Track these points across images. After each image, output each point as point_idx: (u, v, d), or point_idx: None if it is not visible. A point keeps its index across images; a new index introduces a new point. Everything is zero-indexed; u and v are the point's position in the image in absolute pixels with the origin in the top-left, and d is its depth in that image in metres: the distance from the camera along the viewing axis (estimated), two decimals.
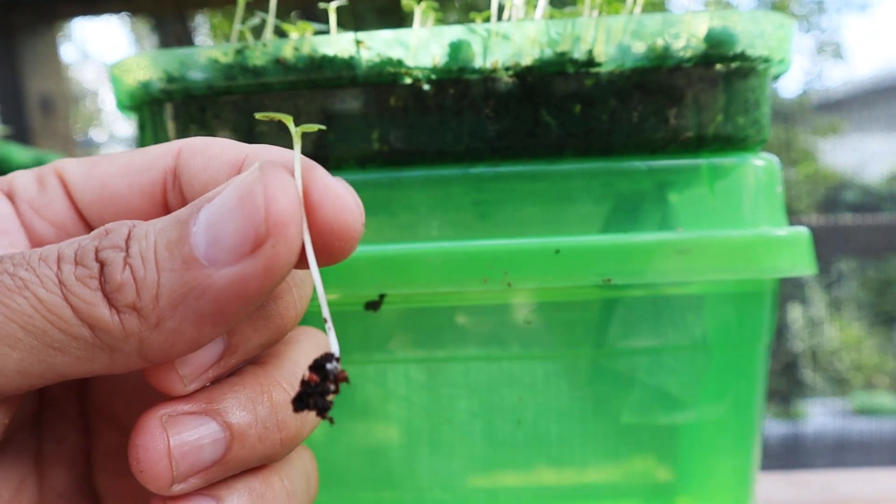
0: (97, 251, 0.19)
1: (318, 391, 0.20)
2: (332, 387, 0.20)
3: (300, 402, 0.20)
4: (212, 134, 0.34)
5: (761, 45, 0.32)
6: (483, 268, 0.30)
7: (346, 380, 0.20)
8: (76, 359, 0.19)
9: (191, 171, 0.23)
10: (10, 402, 0.20)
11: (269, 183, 0.18)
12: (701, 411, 0.34)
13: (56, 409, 0.24)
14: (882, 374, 2.82)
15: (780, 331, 2.82)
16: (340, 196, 0.20)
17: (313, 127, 0.21)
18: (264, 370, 0.22)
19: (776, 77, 0.36)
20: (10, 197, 0.23)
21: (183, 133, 0.34)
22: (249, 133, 0.33)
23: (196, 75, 0.33)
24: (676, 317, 0.33)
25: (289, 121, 0.21)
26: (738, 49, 0.32)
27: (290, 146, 0.21)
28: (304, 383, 0.20)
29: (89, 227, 0.24)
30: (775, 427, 2.58)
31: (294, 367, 0.23)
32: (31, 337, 0.19)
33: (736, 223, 0.33)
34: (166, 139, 0.34)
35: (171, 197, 0.23)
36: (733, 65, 0.32)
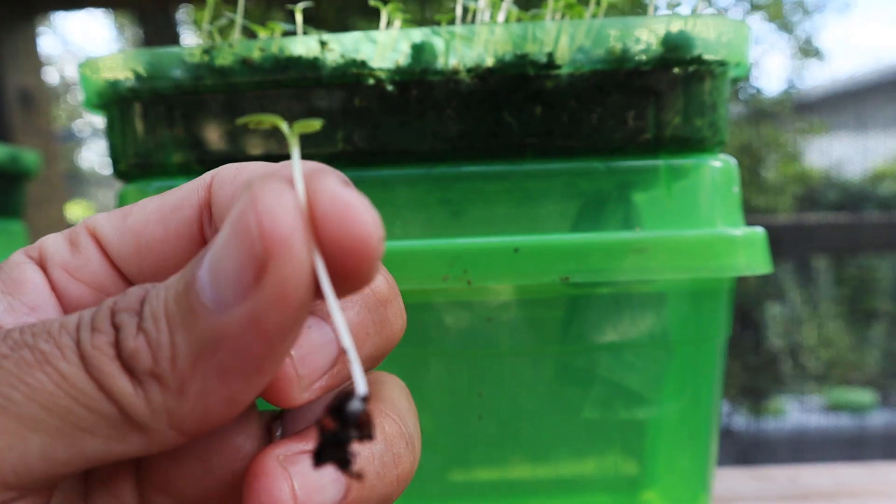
0: (113, 314, 0.17)
1: (336, 440, 0.17)
2: (354, 433, 0.17)
3: (319, 456, 0.17)
4: (184, 132, 0.34)
5: (718, 48, 0.33)
6: (443, 266, 0.31)
7: (370, 425, 0.17)
8: (107, 440, 0.17)
9: (220, 204, 0.21)
10: (38, 496, 0.18)
11: (258, 198, 0.16)
12: (663, 406, 0.35)
13: (108, 490, 0.21)
14: (858, 371, 2.85)
15: (759, 329, 2.84)
16: (350, 206, 0.17)
17: (311, 125, 0.18)
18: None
19: (735, 80, 0.36)
20: (42, 264, 0.21)
21: (151, 132, 0.34)
22: (227, 133, 0.34)
23: (164, 75, 0.34)
24: (638, 314, 0.34)
25: (279, 122, 0.18)
26: (695, 53, 0.32)
27: (284, 142, 0.19)
28: (320, 431, 0.17)
29: (129, 283, 0.22)
30: (751, 424, 2.61)
31: (393, 401, 0.21)
32: (54, 418, 0.17)
33: (693, 223, 0.33)
34: (134, 138, 0.35)
35: (209, 235, 0.21)
36: (690, 68, 0.33)
